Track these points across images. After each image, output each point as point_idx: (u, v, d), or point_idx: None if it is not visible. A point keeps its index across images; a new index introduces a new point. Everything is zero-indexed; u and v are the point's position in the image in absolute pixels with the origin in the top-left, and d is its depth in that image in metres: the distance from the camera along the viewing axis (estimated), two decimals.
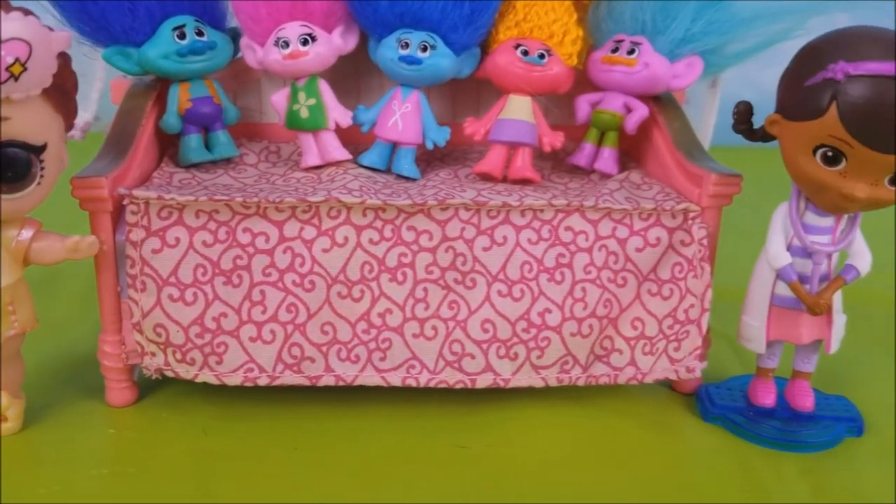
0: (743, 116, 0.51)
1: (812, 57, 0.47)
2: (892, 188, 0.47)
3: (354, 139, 0.61)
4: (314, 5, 0.58)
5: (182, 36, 0.58)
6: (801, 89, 0.47)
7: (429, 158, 0.64)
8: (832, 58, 0.46)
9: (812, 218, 0.51)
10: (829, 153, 0.46)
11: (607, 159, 0.62)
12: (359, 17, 0.59)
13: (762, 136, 0.51)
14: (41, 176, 0.46)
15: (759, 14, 0.59)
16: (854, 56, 0.45)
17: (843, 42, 0.46)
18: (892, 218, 0.74)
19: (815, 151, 0.47)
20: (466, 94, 0.66)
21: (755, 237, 0.54)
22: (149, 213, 0.51)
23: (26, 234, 0.48)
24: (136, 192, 0.50)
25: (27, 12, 0.43)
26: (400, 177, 0.60)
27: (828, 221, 0.50)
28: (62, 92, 0.46)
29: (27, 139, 0.44)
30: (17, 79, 0.42)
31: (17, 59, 0.42)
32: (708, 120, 0.66)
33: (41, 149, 0.45)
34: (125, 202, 0.50)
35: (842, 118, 0.45)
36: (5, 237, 0.47)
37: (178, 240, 0.51)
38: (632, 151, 0.65)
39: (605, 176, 0.62)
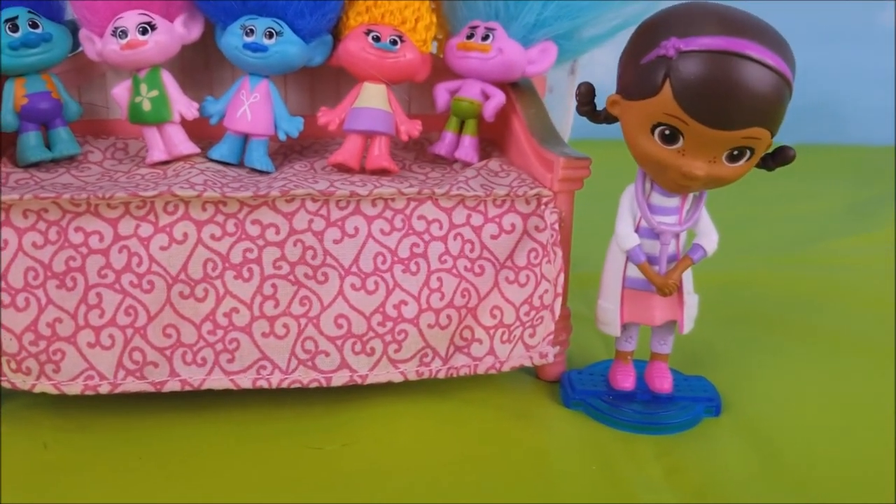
0: (585, 98, 0.51)
1: (647, 34, 0.47)
2: (731, 165, 0.47)
3: (207, 134, 0.59)
4: None
5: (14, 28, 0.54)
6: (637, 67, 0.47)
7: (286, 152, 0.62)
8: (665, 34, 0.46)
9: (658, 199, 0.51)
10: (667, 131, 0.47)
11: (468, 148, 0.61)
12: (201, 4, 0.57)
13: (605, 117, 0.51)
14: None
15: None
16: (685, 32, 0.45)
17: (676, 18, 0.47)
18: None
19: (653, 130, 0.47)
20: (324, 83, 0.64)
21: None
22: None
23: None
24: None
25: None
26: (253, 170, 0.58)
27: (674, 202, 0.51)
28: None
29: None
30: None
31: None
32: (568, 106, 0.66)
33: None
34: None
35: (675, 95, 0.45)
36: None
37: (6, 242, 0.48)
38: (495, 139, 0.64)
39: (467, 165, 0.61)
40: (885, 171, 1.20)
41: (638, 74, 0.47)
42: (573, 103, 0.66)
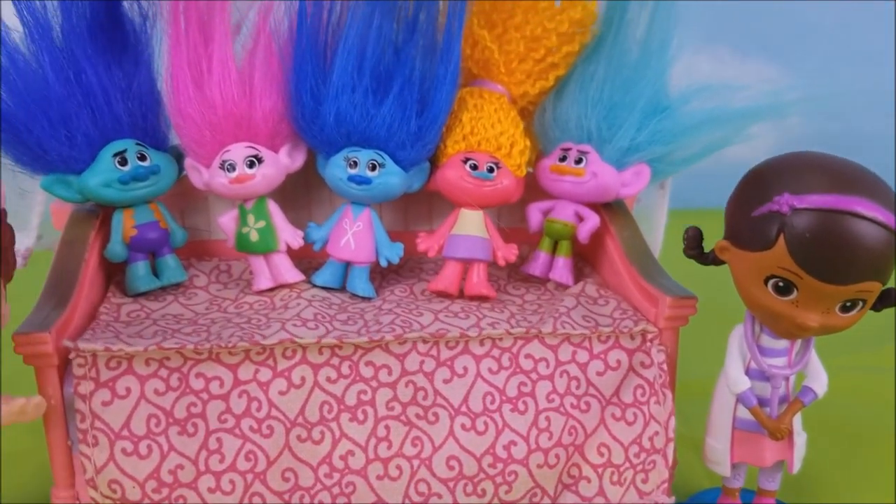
0: (692, 242, 0.52)
1: (757, 186, 0.48)
2: (844, 315, 0.47)
3: (307, 253, 0.60)
4: (258, 126, 0.57)
5: (123, 162, 0.56)
6: (749, 219, 0.47)
7: (383, 271, 0.63)
8: (777, 188, 0.46)
9: (768, 341, 0.51)
10: (781, 284, 0.47)
11: (562, 269, 0.62)
12: (305, 136, 0.58)
13: (713, 259, 0.51)
14: None
15: (703, 121, 0.60)
16: (798, 188, 0.46)
17: (787, 172, 0.47)
18: None
19: (766, 281, 0.47)
20: (418, 203, 0.65)
21: (714, 317, 0.54)
22: (97, 365, 0.49)
23: None
24: (82, 346, 0.48)
25: None
26: (355, 296, 0.59)
27: (783, 344, 0.51)
28: (5, 257, 0.44)
29: None
30: None
31: None
32: (658, 220, 0.67)
33: None
34: (71, 356, 0.48)
35: (790, 251, 0.46)
36: None
37: (128, 390, 0.49)
38: (586, 255, 0.65)
39: (561, 286, 0.62)
40: None
41: (750, 226, 0.47)
42: (664, 217, 0.67)
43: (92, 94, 0.54)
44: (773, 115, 0.59)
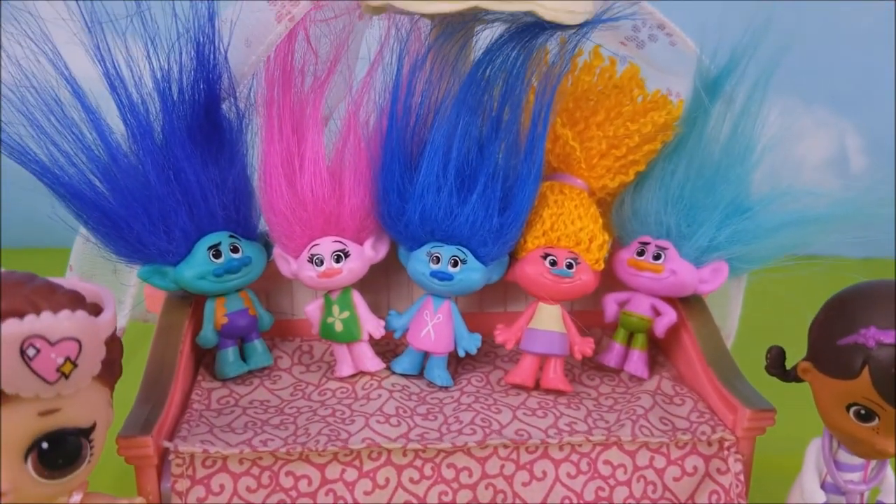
0: (775, 361, 0.53)
1: (843, 315, 0.48)
2: None
3: (387, 339, 0.62)
4: (346, 221, 0.59)
5: (217, 254, 0.58)
6: (833, 348, 0.48)
7: (460, 363, 0.64)
8: (864, 321, 0.47)
9: (844, 456, 0.52)
10: (863, 411, 0.48)
11: (637, 362, 0.63)
12: (390, 231, 0.60)
13: (794, 377, 0.52)
14: (91, 454, 0.46)
15: (783, 224, 0.61)
16: (885, 322, 0.46)
17: (875, 303, 0.47)
18: None
19: (847, 408, 0.48)
20: (494, 287, 0.66)
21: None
22: (193, 464, 0.51)
23: (75, 500, 0.48)
24: (181, 448, 0.51)
25: (75, 305, 0.44)
26: (432, 384, 0.61)
27: (859, 460, 0.52)
28: (109, 365, 0.46)
29: (77, 424, 0.45)
30: (67, 377, 0.43)
31: (67, 359, 0.42)
32: (734, 311, 0.68)
33: (90, 429, 0.46)
34: (170, 456, 0.51)
35: (875, 384, 0.46)
36: None
37: (222, 487, 0.51)
38: (661, 345, 0.66)
39: (636, 378, 0.63)
40: None
41: (834, 355, 0.48)
42: (739, 308, 0.68)
43: (190, 192, 0.57)
44: (851, 221, 0.59)
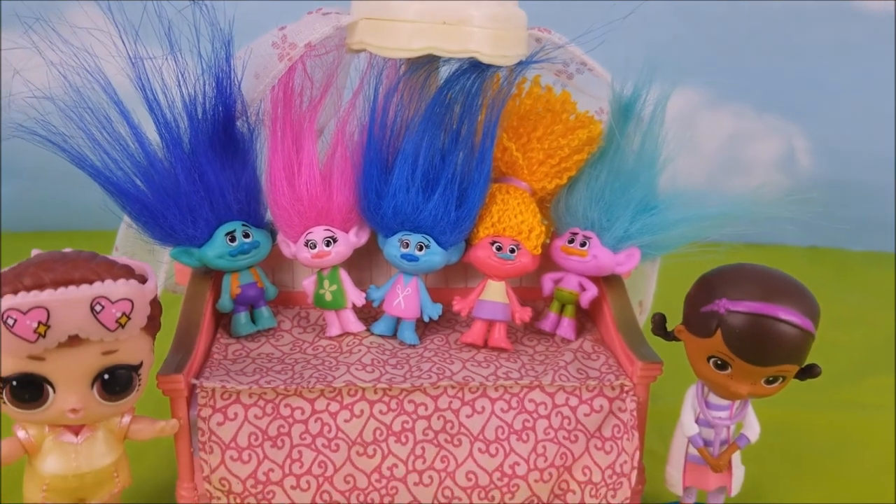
0: (658, 325, 0.68)
1: (705, 289, 0.64)
2: (768, 386, 0.63)
3: (367, 308, 0.78)
4: (334, 213, 0.75)
5: (233, 239, 0.74)
6: (697, 314, 0.63)
7: (426, 326, 0.80)
8: (719, 294, 0.62)
9: (714, 398, 0.67)
10: (719, 362, 0.63)
11: (567, 328, 0.78)
12: (369, 221, 0.76)
13: (673, 337, 0.67)
14: (139, 385, 0.62)
15: (683, 219, 0.75)
16: (734, 294, 0.62)
17: (729, 281, 0.63)
18: None
19: (708, 359, 0.63)
20: (455, 268, 0.82)
21: None
22: (214, 397, 0.67)
23: (125, 420, 0.65)
24: (205, 384, 0.67)
25: (128, 275, 0.60)
26: (403, 343, 0.76)
27: (726, 401, 0.67)
28: (152, 321, 0.62)
29: (129, 362, 0.61)
30: (123, 327, 0.59)
31: (123, 314, 0.59)
32: (650, 287, 0.83)
33: (139, 366, 0.62)
34: (197, 390, 0.67)
35: (725, 341, 0.61)
36: (111, 424, 0.64)
37: (236, 414, 0.68)
38: (591, 312, 0.82)
39: (565, 340, 0.78)
40: None
41: (698, 319, 0.63)
42: (654, 284, 0.83)
43: (211, 189, 0.72)
44: (733, 222, 0.74)
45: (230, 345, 0.75)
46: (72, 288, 0.56)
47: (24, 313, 0.55)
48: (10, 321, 0.55)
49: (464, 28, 0.65)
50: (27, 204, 1.40)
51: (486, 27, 0.66)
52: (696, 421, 0.68)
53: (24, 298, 0.55)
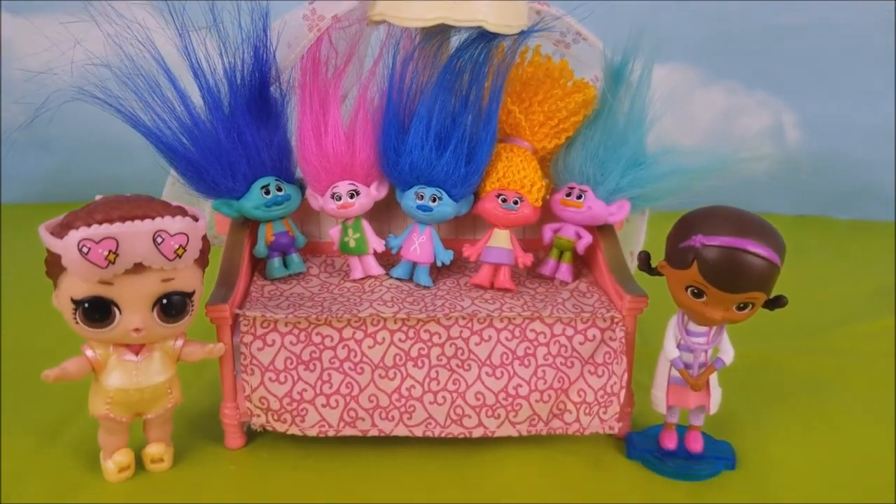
0: (643, 262, 0.77)
1: (684, 227, 0.73)
2: (739, 312, 0.72)
3: (386, 255, 0.88)
4: (357, 169, 0.84)
5: (267, 192, 0.84)
6: (677, 249, 0.73)
7: (439, 271, 0.89)
8: (694, 231, 0.71)
9: (693, 326, 0.76)
10: (695, 291, 0.72)
11: (564, 271, 0.88)
12: (388, 176, 0.85)
13: (657, 272, 0.76)
14: (192, 310, 0.72)
15: (669, 173, 0.84)
16: (709, 231, 0.71)
17: (704, 220, 0.72)
18: None
19: (686, 288, 0.73)
20: (465, 219, 0.91)
21: None
22: (255, 325, 0.77)
23: (179, 343, 0.74)
24: (247, 313, 0.76)
25: (183, 214, 0.69)
26: (419, 285, 0.86)
27: (704, 328, 0.76)
28: (202, 254, 0.72)
29: (184, 289, 0.71)
30: (180, 257, 0.68)
31: (180, 245, 0.68)
32: (639, 237, 0.92)
33: (192, 294, 0.72)
34: (240, 318, 0.77)
35: (700, 272, 0.71)
36: (166, 346, 0.74)
37: (273, 341, 0.77)
38: (586, 259, 0.91)
39: (564, 282, 0.88)
40: None
41: (677, 254, 0.72)
42: (643, 234, 0.92)
43: (248, 147, 0.82)
44: (713, 175, 0.83)
45: (265, 286, 0.85)
46: (137, 222, 0.66)
47: (97, 243, 0.65)
48: (85, 249, 0.65)
49: (471, 1, 0.74)
50: (68, 174, 1.50)
51: None
52: (678, 346, 0.77)
53: (96, 230, 0.65)
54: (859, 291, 1.24)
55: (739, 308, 0.72)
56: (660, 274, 0.76)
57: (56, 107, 0.79)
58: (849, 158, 1.47)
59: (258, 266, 0.88)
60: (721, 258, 0.69)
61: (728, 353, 0.77)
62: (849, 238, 1.44)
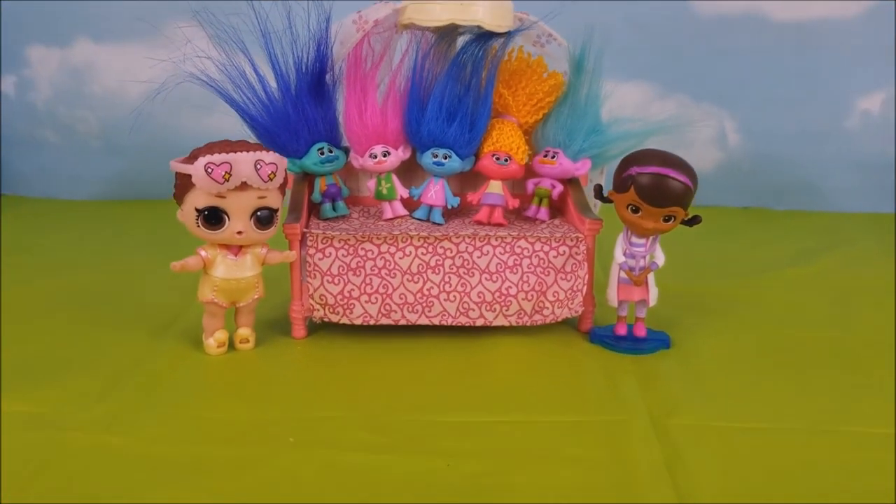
0: (598, 192, 1.07)
1: (623, 163, 1.02)
2: (665, 224, 1.02)
3: (409, 203, 1.17)
4: (389, 136, 1.14)
5: (322, 153, 1.13)
6: (620, 178, 1.02)
7: (448, 213, 1.19)
8: (631, 164, 1.01)
9: (635, 238, 1.05)
10: (633, 208, 1.01)
11: (543, 213, 1.17)
12: (411, 141, 1.15)
13: (607, 200, 1.06)
14: (276, 223, 1.01)
15: (621, 137, 1.14)
16: (641, 163, 1.00)
17: (638, 156, 1.01)
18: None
19: (627, 207, 1.02)
20: (467, 177, 1.21)
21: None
22: (317, 240, 1.06)
23: (264, 250, 1.03)
24: (313, 231, 1.06)
25: (272, 152, 0.99)
26: (434, 223, 1.15)
27: (642, 240, 1.05)
28: (284, 183, 1.01)
29: (272, 206, 1.00)
30: (272, 180, 0.98)
31: (272, 172, 0.98)
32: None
33: (276, 210, 1.01)
34: (307, 235, 1.06)
35: (636, 193, 1.00)
36: (256, 251, 1.03)
37: (330, 253, 1.06)
38: (558, 206, 1.21)
39: (542, 220, 1.17)
40: (840, 229, 1.71)
41: (620, 182, 1.02)
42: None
43: (308, 119, 1.11)
44: (654, 137, 1.13)
45: (320, 223, 1.14)
46: (243, 153, 0.96)
47: (218, 165, 0.94)
48: (209, 170, 0.94)
49: (473, 5, 1.05)
50: (136, 175, 1.80)
51: (486, 5, 1.06)
52: (624, 254, 1.06)
53: (217, 157, 0.94)
54: (783, 255, 1.54)
55: (665, 220, 1.01)
56: (609, 200, 1.06)
57: (172, 87, 1.08)
58: (781, 157, 1.78)
59: (314, 210, 1.18)
60: (650, 181, 0.99)
61: (660, 258, 1.06)
62: (785, 224, 1.74)
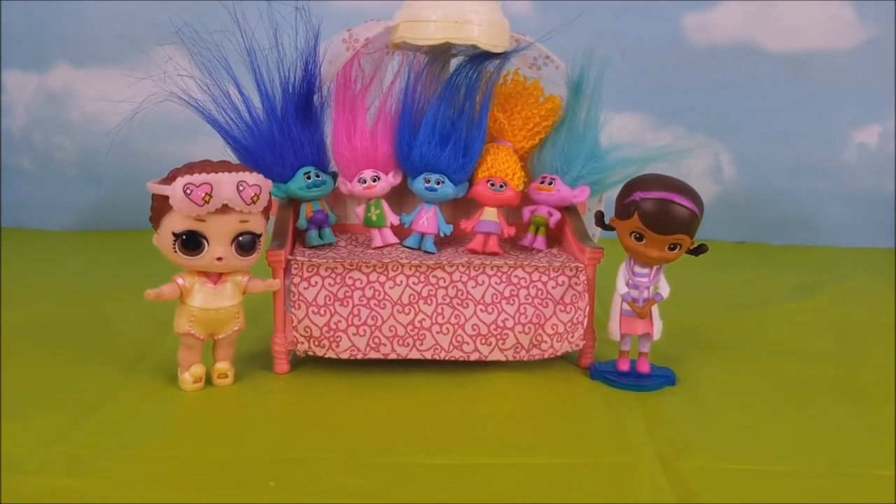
0: (599, 219, 1.02)
1: (626, 188, 0.98)
2: (670, 252, 0.96)
3: (399, 230, 1.12)
4: (378, 160, 1.09)
5: (308, 177, 1.08)
6: (623, 204, 0.97)
7: (441, 241, 1.13)
8: (635, 190, 0.96)
9: (638, 268, 1.00)
10: (637, 235, 0.96)
11: (540, 242, 1.12)
12: (403, 166, 1.10)
13: (609, 227, 1.01)
14: (258, 249, 0.95)
15: (620, 163, 1.10)
16: (646, 188, 0.95)
17: (644, 181, 0.97)
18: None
19: (630, 234, 0.97)
20: (461, 204, 1.15)
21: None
22: (303, 268, 1.00)
23: (245, 278, 0.97)
24: (298, 258, 1.00)
25: (256, 173, 0.93)
26: (426, 252, 1.09)
27: (646, 269, 1.00)
28: (268, 206, 0.96)
29: (255, 230, 0.94)
30: (255, 203, 0.92)
31: (255, 194, 0.92)
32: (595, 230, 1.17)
33: (259, 235, 0.95)
34: (291, 263, 1.00)
35: (640, 219, 0.95)
36: (236, 279, 0.96)
37: (316, 282, 1.00)
38: (556, 235, 1.15)
39: (539, 249, 1.12)
40: (837, 264, 1.67)
41: (623, 208, 0.97)
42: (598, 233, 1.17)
43: (294, 141, 1.06)
44: (654, 164, 1.08)
45: (305, 251, 1.08)
46: (225, 174, 0.90)
47: (198, 186, 0.88)
48: (188, 191, 0.88)
49: (468, 25, 1.01)
50: (113, 206, 1.74)
51: (483, 24, 1.01)
52: (627, 285, 1.00)
53: (197, 177, 0.89)
54: (782, 286, 1.49)
55: (671, 248, 0.96)
56: (611, 228, 1.01)
57: (152, 106, 1.02)
58: (777, 190, 1.74)
59: (300, 237, 1.12)
60: (655, 207, 0.94)
61: (665, 289, 1.00)
62: (784, 258, 1.70)
